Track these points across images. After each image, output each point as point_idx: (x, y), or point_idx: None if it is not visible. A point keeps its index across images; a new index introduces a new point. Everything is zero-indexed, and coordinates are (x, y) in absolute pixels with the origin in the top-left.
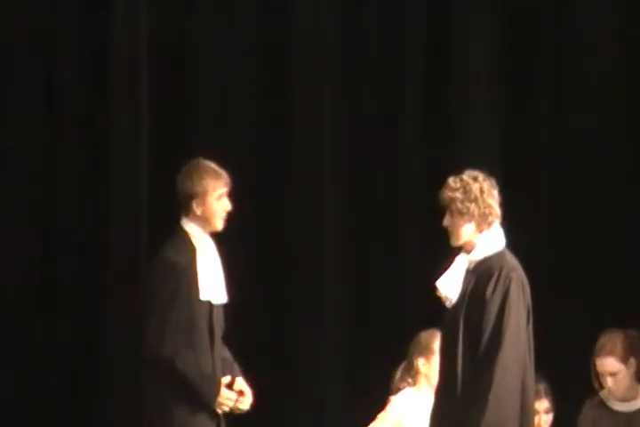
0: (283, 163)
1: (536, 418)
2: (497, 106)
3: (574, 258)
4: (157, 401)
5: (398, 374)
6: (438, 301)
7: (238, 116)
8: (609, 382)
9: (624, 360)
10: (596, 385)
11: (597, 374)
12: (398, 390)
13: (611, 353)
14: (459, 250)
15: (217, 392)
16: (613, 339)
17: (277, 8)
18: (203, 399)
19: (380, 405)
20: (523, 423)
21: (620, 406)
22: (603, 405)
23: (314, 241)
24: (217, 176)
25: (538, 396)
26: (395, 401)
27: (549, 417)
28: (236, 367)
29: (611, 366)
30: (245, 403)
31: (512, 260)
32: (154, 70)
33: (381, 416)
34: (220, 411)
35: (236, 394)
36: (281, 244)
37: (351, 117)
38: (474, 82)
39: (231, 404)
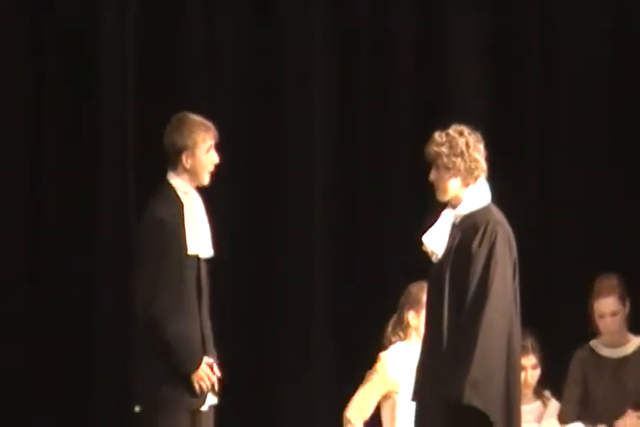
0: (273, 121)
1: (523, 373)
2: (484, 61)
3: (561, 211)
4: (144, 375)
5: (389, 327)
6: (424, 255)
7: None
8: (609, 322)
9: (622, 300)
10: (595, 328)
11: (595, 319)
12: (390, 343)
13: (611, 293)
14: (445, 205)
15: (198, 363)
16: (611, 280)
17: None
18: (183, 368)
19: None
20: (509, 377)
21: (608, 353)
22: (592, 352)
23: (302, 199)
24: (206, 129)
25: (525, 351)
26: (383, 359)
27: (536, 372)
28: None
29: (612, 306)
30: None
31: (498, 214)
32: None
33: (372, 379)
34: (197, 387)
35: (212, 376)
36: (270, 204)
37: (339, 80)
38: (460, 38)
39: (207, 382)
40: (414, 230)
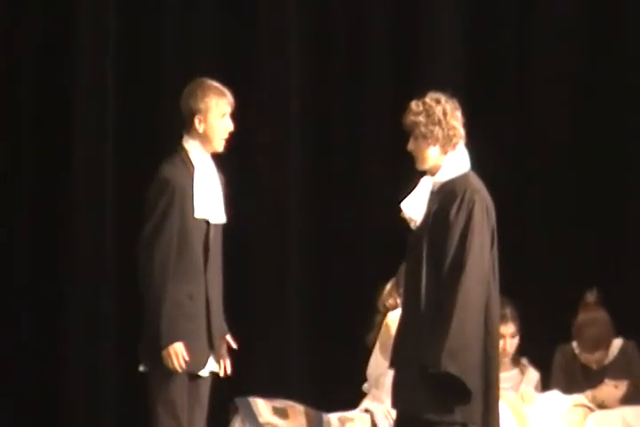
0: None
1: (502, 342)
2: (462, 27)
3: (539, 179)
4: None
5: (385, 290)
6: (403, 222)
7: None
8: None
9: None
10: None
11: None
12: (384, 306)
13: (602, 347)
14: (424, 172)
15: (168, 341)
16: (601, 330)
17: None
18: (157, 340)
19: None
20: (487, 345)
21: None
22: (574, 357)
23: (278, 172)
24: (221, 94)
25: (503, 320)
26: (392, 319)
27: (515, 341)
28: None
29: (603, 358)
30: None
31: (477, 182)
32: None
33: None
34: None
35: (184, 359)
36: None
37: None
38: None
39: (175, 362)
40: (393, 197)
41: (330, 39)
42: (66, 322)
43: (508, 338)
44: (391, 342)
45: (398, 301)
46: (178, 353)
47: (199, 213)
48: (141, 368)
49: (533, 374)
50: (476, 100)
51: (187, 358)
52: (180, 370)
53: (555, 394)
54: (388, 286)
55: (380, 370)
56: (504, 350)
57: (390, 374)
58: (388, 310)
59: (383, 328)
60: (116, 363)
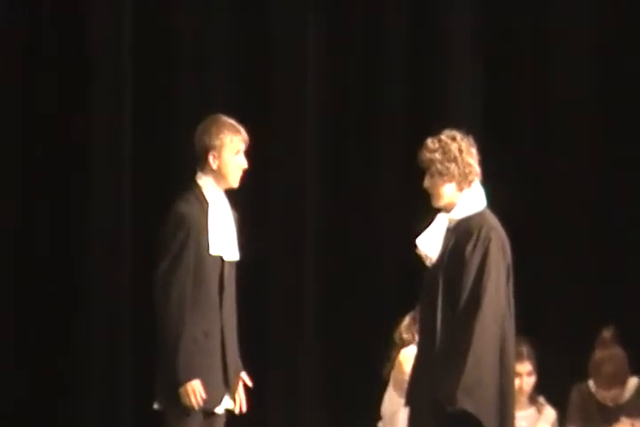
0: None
1: (518, 380)
2: (479, 63)
3: (555, 217)
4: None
5: (403, 324)
6: (419, 259)
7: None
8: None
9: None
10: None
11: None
12: (401, 340)
13: (618, 384)
14: (440, 209)
15: (187, 378)
16: (617, 367)
17: None
18: (175, 376)
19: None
20: (502, 383)
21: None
22: (591, 395)
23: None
24: (235, 131)
25: (520, 358)
26: (406, 355)
27: (532, 379)
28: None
29: (619, 395)
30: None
31: (492, 219)
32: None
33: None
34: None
35: (201, 396)
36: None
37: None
38: (456, 40)
39: (193, 400)
40: (409, 234)
41: (345, 76)
42: (80, 360)
43: (525, 376)
44: (403, 378)
45: (414, 336)
46: (196, 390)
47: (214, 249)
48: (156, 406)
49: (550, 413)
50: (491, 138)
51: (203, 396)
52: (196, 407)
53: None
54: (406, 320)
55: (394, 407)
56: (520, 388)
57: (405, 411)
58: (403, 343)
59: (396, 365)
60: (131, 401)
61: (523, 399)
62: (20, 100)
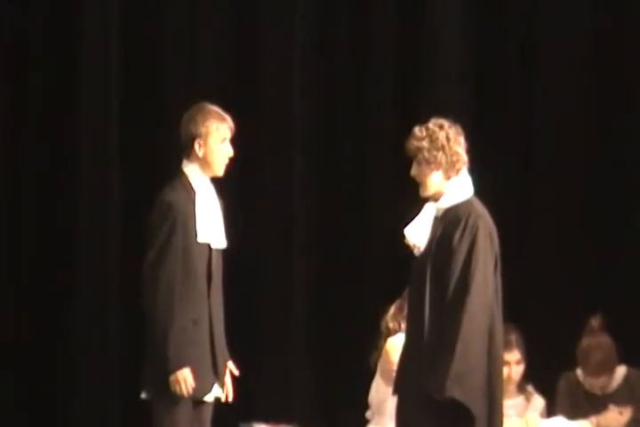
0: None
1: (507, 369)
2: (468, 52)
3: (543, 204)
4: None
5: (390, 313)
6: (407, 248)
7: None
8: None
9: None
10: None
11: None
12: (387, 329)
13: (606, 372)
14: (427, 199)
15: (177, 366)
16: (605, 355)
17: None
18: (165, 365)
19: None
20: (490, 371)
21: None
22: (579, 383)
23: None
24: (221, 119)
25: (509, 347)
26: (392, 344)
27: (520, 368)
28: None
29: (607, 383)
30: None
31: (480, 207)
32: None
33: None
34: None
35: (191, 385)
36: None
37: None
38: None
39: (183, 388)
40: (397, 223)
41: (334, 68)
42: (68, 351)
43: (514, 365)
44: (390, 368)
45: (401, 324)
46: (187, 379)
47: (202, 237)
48: (143, 395)
49: (539, 401)
50: (480, 126)
51: (193, 384)
52: (186, 396)
53: (559, 420)
54: (392, 309)
55: (381, 396)
56: (509, 377)
57: (393, 400)
58: (390, 333)
59: (383, 354)
60: (119, 391)
61: (511, 388)
62: (7, 101)
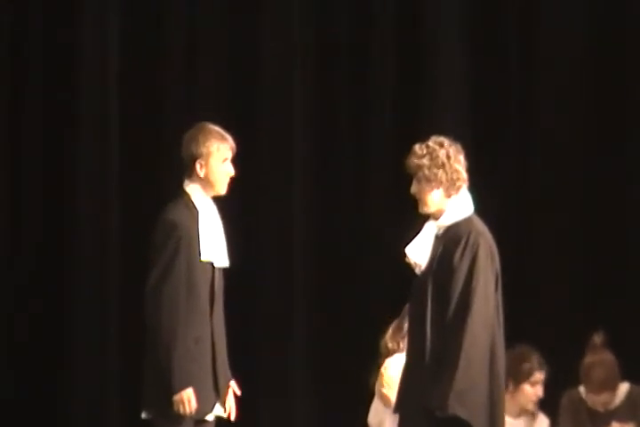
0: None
1: (537, 388)
2: (467, 67)
3: (543, 222)
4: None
5: (388, 333)
6: (407, 267)
7: None
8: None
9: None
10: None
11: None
12: (386, 349)
13: (609, 389)
14: (428, 216)
15: (182, 386)
16: (607, 371)
17: None
18: (170, 385)
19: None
20: (492, 388)
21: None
22: (581, 401)
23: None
24: (222, 139)
25: (540, 367)
26: (387, 366)
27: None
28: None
29: (609, 400)
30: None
31: (480, 225)
32: None
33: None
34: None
35: (194, 405)
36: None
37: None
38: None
39: (186, 408)
40: (398, 242)
41: (333, 83)
42: (68, 351)
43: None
44: (386, 389)
45: (400, 344)
46: (191, 399)
47: (205, 256)
48: (144, 415)
49: (544, 420)
50: (479, 143)
51: (196, 405)
52: (189, 416)
53: None
54: (390, 329)
55: (380, 416)
56: (537, 396)
57: (391, 419)
58: (389, 353)
59: (379, 376)
60: (119, 391)
61: (530, 406)
62: (7, 101)
